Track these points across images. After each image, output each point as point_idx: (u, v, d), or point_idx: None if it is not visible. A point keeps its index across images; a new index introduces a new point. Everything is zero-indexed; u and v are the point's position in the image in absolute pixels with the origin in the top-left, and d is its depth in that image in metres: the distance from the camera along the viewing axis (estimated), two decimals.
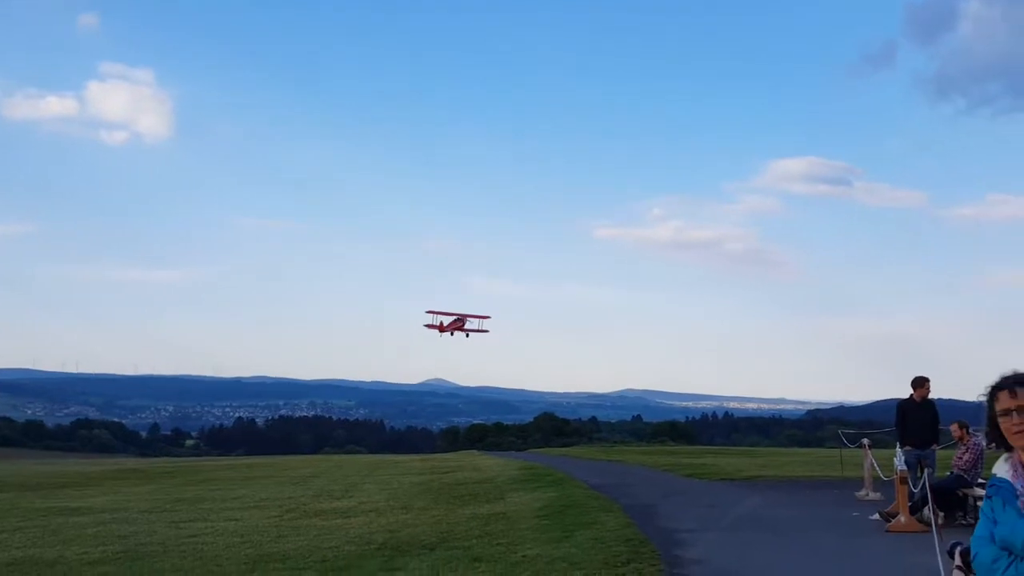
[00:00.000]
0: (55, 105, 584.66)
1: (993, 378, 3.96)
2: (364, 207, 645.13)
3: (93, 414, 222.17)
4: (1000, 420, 3.83)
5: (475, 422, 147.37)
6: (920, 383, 16.29)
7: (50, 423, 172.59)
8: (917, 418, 16.13)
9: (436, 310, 53.86)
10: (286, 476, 33.19)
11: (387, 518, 17.62)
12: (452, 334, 53.51)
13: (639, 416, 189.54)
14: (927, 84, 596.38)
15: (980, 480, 14.75)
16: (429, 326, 53.64)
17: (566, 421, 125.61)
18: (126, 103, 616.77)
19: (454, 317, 53.68)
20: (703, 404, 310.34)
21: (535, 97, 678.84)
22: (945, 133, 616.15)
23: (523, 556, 12.18)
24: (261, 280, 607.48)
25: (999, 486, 3.90)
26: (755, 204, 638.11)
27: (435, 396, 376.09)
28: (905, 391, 16.57)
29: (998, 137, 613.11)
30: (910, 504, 14.66)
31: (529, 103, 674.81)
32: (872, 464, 19.36)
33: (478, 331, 54.65)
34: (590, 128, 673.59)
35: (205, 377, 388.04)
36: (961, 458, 15.52)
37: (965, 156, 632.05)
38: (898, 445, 16.05)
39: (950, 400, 18.92)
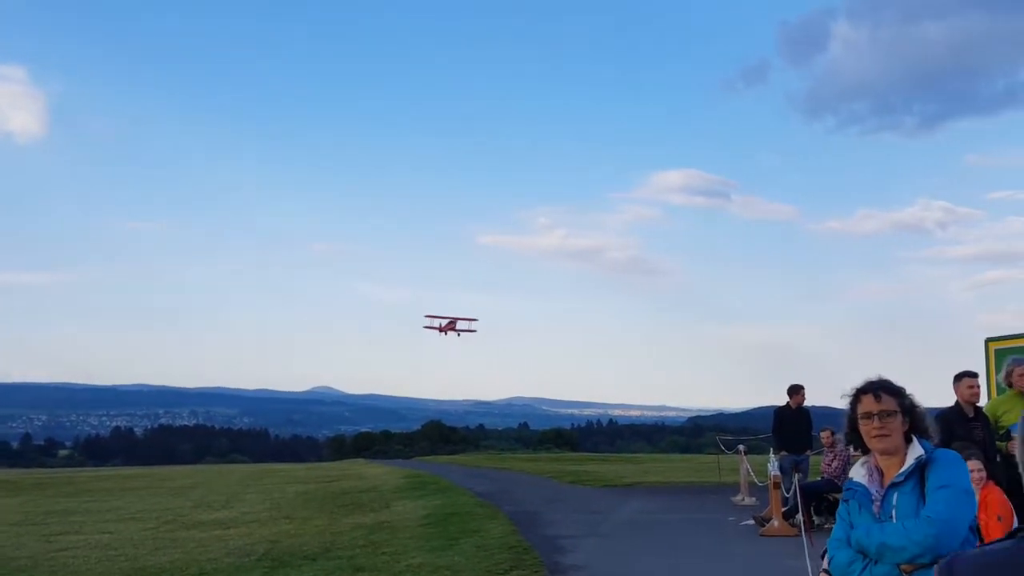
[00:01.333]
0: None
1: (857, 382, 4.16)
2: (244, 209, 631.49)
3: None
4: (861, 423, 3.96)
5: (362, 430, 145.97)
6: (795, 391, 16.87)
7: None
8: (792, 425, 16.69)
9: (434, 314, 58.93)
10: (164, 487, 32.36)
11: (269, 528, 17.33)
12: (446, 334, 58.46)
13: (526, 424, 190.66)
14: (799, 102, 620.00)
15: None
16: (428, 327, 58.76)
17: (453, 429, 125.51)
18: None
19: (448, 320, 58.85)
20: (588, 412, 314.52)
21: (422, 103, 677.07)
22: (817, 150, 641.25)
23: (407, 565, 12.13)
24: (138, 283, 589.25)
25: (855, 490, 4.05)
26: (637, 214, 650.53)
27: (321, 404, 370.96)
28: (781, 399, 17.12)
29: (865, 155, 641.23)
30: (784, 509, 15.14)
31: (416, 109, 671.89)
32: (748, 470, 19.92)
33: (468, 331, 59.40)
34: (476, 136, 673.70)
35: (80, 385, 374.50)
36: (830, 464, 16.12)
37: (835, 172, 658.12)
38: (772, 451, 16.58)
39: (823, 407, 19.61)
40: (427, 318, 59.32)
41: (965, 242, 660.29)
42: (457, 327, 59.19)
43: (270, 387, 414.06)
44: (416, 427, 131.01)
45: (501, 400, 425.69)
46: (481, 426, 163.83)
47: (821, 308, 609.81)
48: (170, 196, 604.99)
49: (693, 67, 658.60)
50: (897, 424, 3.96)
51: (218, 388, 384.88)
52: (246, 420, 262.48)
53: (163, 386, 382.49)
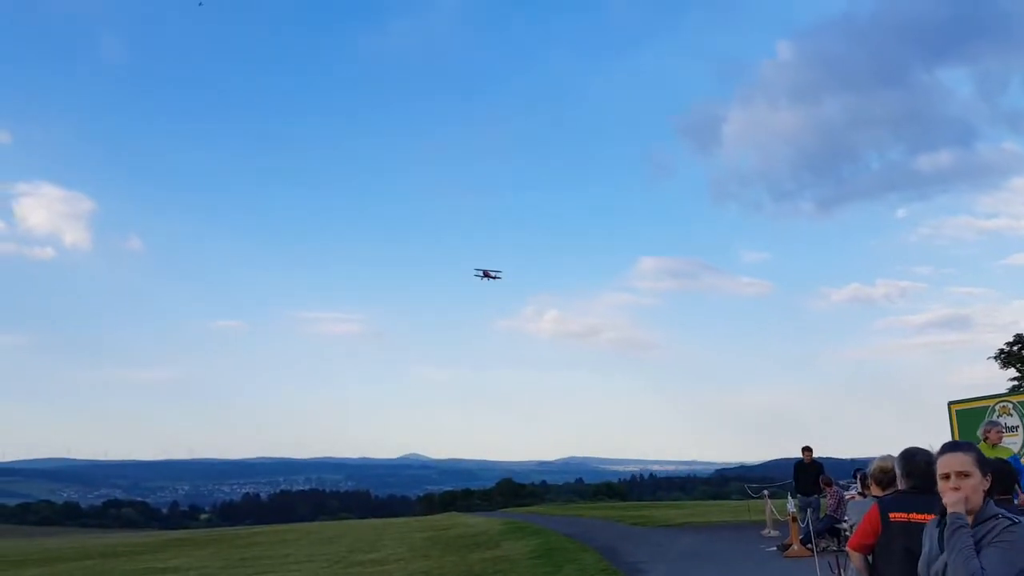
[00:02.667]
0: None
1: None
2: (304, 319, 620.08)
3: (121, 495, 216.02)
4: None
5: (446, 489, 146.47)
6: (806, 450, 18.87)
7: (84, 504, 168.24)
8: (806, 475, 18.56)
9: (480, 267, 72.21)
10: (312, 539, 34.05)
11: (417, 564, 19.19)
12: (490, 279, 71.88)
13: (581, 479, 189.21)
14: (706, 188, 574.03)
15: (844, 518, 17.03)
16: (476, 276, 71.72)
17: (522, 485, 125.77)
18: (54, 218, 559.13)
19: (484, 271, 71.79)
20: (631, 467, 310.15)
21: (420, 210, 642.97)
22: (751, 231, 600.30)
23: None
24: (247, 371, 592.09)
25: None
26: (621, 298, 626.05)
27: (411, 468, 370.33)
28: (789, 452, 19.02)
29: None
30: (801, 537, 16.88)
31: (416, 215, 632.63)
32: (771, 509, 21.50)
33: (496, 277, 72.47)
34: (477, 226, 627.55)
35: (215, 459, 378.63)
36: (830, 504, 17.80)
37: (783, 252, 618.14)
38: (790, 494, 18.39)
39: (824, 458, 21.44)
40: (476, 270, 71.53)
41: (917, 311, 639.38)
42: (491, 274, 71.62)
43: (368, 455, 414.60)
44: (491, 484, 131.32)
45: (559, 459, 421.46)
46: (544, 482, 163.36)
47: (807, 372, 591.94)
48: (245, 297, 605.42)
49: (622, 160, 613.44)
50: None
51: (327, 457, 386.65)
52: (350, 484, 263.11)
53: (282, 457, 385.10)
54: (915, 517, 4.24)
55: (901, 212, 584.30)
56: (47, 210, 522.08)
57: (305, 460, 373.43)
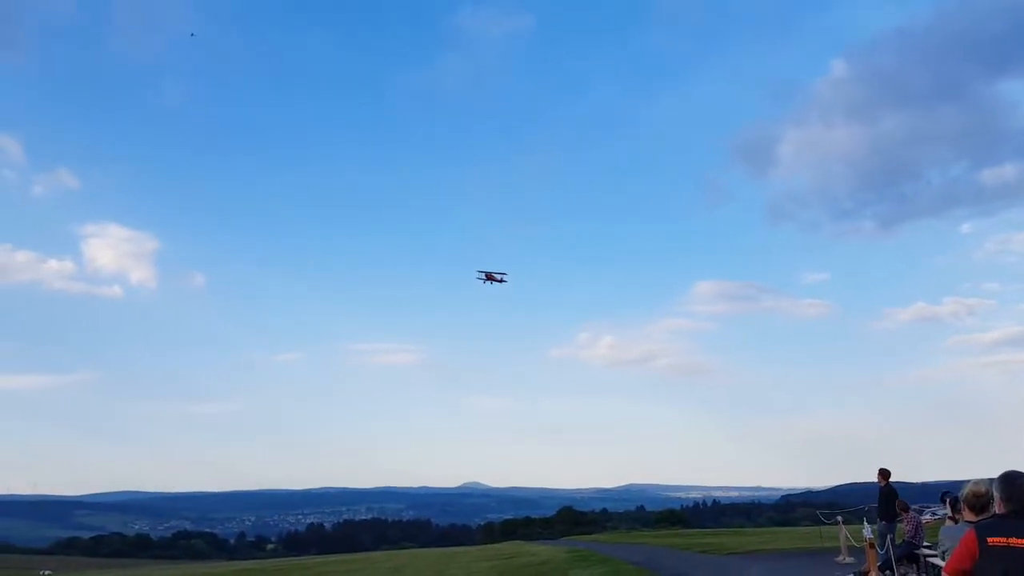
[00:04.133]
0: (57, 267, 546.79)
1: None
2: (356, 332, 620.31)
3: (189, 526, 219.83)
4: None
5: (506, 517, 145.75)
6: (883, 474, 18.33)
7: (154, 536, 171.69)
8: (884, 500, 18.06)
9: (482, 270, 69.96)
10: (378, 568, 34.22)
11: None
12: (493, 283, 69.43)
13: (642, 506, 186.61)
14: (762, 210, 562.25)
15: (924, 544, 16.51)
16: (479, 279, 69.61)
17: (583, 513, 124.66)
18: (121, 258, 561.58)
19: (487, 273, 69.38)
20: (694, 494, 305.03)
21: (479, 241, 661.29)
22: (816, 250, 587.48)
23: None
24: (308, 402, 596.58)
25: None
26: (677, 323, 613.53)
27: (471, 496, 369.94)
28: (855, 477, 18.57)
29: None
30: (879, 563, 16.40)
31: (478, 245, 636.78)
32: (846, 535, 20.96)
33: (500, 280, 70.10)
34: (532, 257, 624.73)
35: (280, 490, 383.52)
36: (907, 530, 17.28)
37: (847, 272, 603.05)
38: (864, 520, 17.89)
39: (893, 482, 20.81)
40: (478, 272, 69.16)
41: (986, 329, 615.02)
42: (495, 277, 69.05)
43: (429, 484, 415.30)
44: (551, 513, 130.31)
45: (619, 487, 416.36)
46: (604, 510, 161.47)
47: (875, 395, 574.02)
48: (304, 330, 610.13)
49: (675, 187, 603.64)
50: None
51: (388, 487, 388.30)
52: (411, 513, 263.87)
53: (344, 487, 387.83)
54: (1015, 542, 4.19)
55: (966, 228, 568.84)
56: (114, 250, 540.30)
57: (367, 490, 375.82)
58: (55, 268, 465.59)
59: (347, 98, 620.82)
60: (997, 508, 4.51)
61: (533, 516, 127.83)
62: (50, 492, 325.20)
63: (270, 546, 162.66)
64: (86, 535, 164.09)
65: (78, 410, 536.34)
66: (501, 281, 71.93)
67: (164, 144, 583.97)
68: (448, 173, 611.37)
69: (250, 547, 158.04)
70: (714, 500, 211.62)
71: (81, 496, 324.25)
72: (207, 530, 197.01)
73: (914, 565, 16.65)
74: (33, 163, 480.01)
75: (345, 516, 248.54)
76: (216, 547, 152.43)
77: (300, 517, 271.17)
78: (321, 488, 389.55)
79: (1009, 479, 4.48)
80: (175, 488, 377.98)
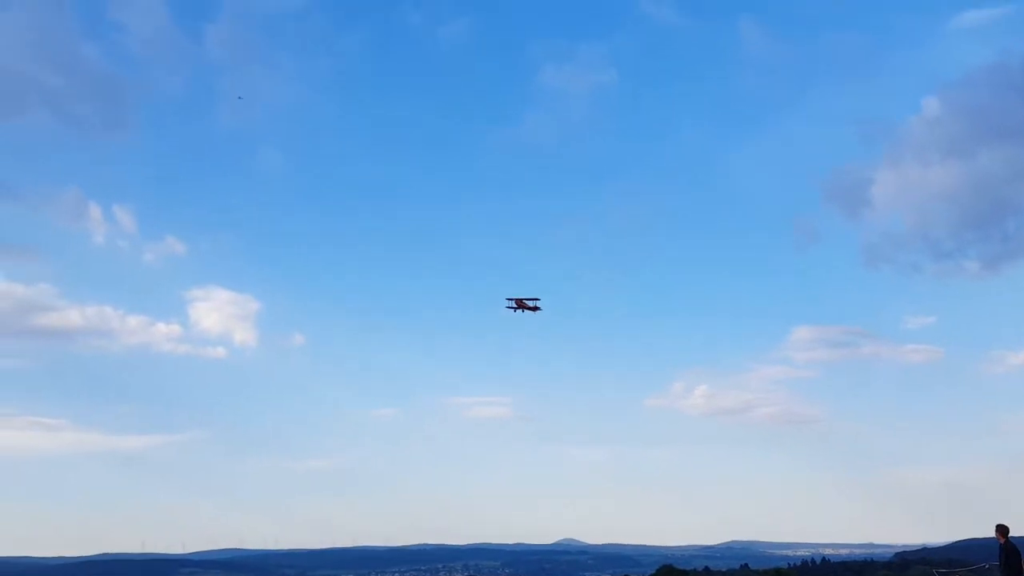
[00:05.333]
0: (166, 330, 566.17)
1: None
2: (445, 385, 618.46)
3: None
4: None
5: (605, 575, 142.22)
6: (1002, 531, 16.96)
7: None
8: (1007, 557, 16.71)
9: (511, 297, 66.84)
10: None
11: None
12: (523, 311, 65.70)
13: (746, 564, 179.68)
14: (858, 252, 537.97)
15: None
16: (508, 307, 66.50)
17: (684, 572, 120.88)
18: (225, 319, 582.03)
19: (518, 300, 66.29)
20: (801, 551, 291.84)
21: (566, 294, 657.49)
22: (916, 294, 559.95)
23: None
24: (404, 457, 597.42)
25: None
26: (775, 371, 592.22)
27: (567, 554, 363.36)
28: (975, 531, 17.19)
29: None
30: None
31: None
32: None
33: (532, 308, 66.64)
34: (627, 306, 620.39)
35: (378, 547, 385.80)
36: None
37: (952, 314, 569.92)
38: None
39: (1017, 538, 19.28)
40: (507, 300, 65.72)
41: None
42: (527, 304, 65.18)
43: (524, 540, 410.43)
44: (651, 571, 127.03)
45: (721, 543, 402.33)
46: (707, 568, 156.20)
47: (989, 443, 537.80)
48: (399, 385, 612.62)
49: (766, 231, 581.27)
50: None
51: (484, 543, 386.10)
52: (507, 571, 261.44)
53: (440, 544, 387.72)
54: None
55: None
56: (218, 312, 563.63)
57: (462, 546, 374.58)
58: (164, 331, 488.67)
59: (440, 158, 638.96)
60: None
61: (632, 574, 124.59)
62: (157, 550, 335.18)
63: None
64: None
65: (185, 469, 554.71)
66: (535, 309, 68.18)
67: (265, 209, 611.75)
68: (539, 227, 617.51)
69: None
70: (823, 558, 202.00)
71: (187, 554, 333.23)
72: None
73: None
74: (144, 232, 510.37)
75: (441, 574, 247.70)
76: None
77: (397, 574, 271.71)
78: (418, 545, 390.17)
79: None
80: (277, 545, 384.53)
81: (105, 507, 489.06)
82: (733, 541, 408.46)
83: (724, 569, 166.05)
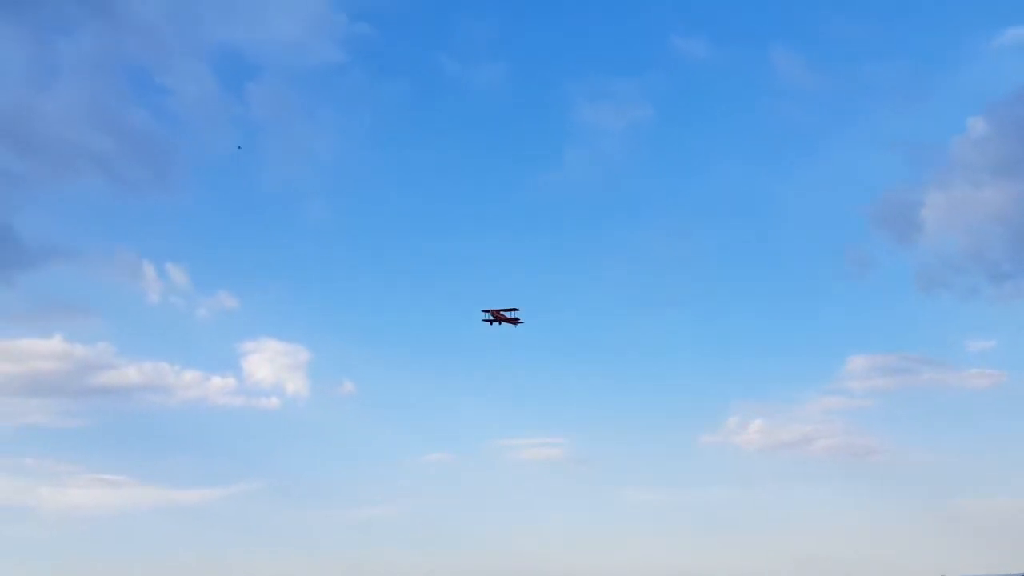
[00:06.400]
0: (221, 383, 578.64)
1: None
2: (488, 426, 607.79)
3: None
4: None
5: None
6: None
7: None
8: None
9: (487, 309, 64.50)
10: None
11: None
12: (500, 323, 63.31)
13: None
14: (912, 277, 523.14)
15: None
16: (484, 320, 64.57)
17: None
18: (277, 370, 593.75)
19: (495, 311, 63.78)
20: None
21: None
22: (970, 318, 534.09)
23: None
24: (459, 502, 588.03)
25: None
26: (832, 402, 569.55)
27: None
28: None
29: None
30: None
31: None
32: None
33: (511, 320, 64.52)
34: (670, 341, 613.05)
35: None
36: None
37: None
38: None
39: None
40: (483, 313, 62.95)
41: None
42: (505, 316, 62.23)
43: None
44: None
45: None
46: None
47: None
48: (451, 429, 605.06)
49: (814, 259, 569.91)
50: None
51: None
52: None
53: None
54: None
55: None
56: (271, 363, 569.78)
57: None
58: (219, 384, 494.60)
59: (481, 201, 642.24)
60: None
61: None
62: None
63: None
64: None
65: (243, 520, 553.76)
66: (514, 321, 64.36)
67: (311, 260, 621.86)
68: (583, 265, 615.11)
69: None
70: None
71: None
72: None
73: None
74: (197, 288, 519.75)
75: None
76: None
77: None
78: None
79: None
80: None
81: (168, 560, 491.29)
82: None
83: None
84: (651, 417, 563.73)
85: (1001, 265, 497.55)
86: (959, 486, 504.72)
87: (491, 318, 62.01)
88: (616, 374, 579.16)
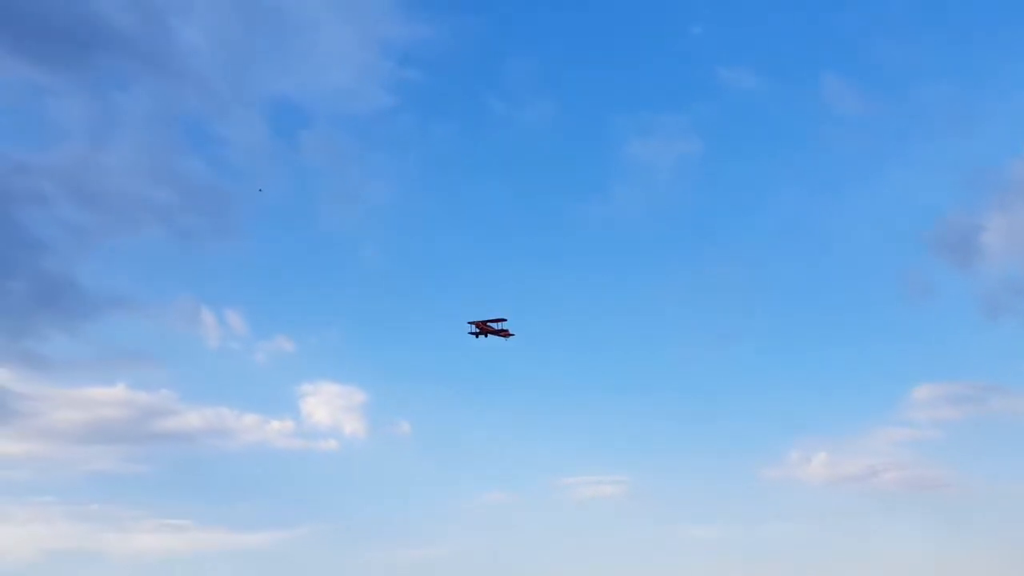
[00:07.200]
0: (279, 426, 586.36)
1: None
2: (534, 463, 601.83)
3: None
4: None
5: None
6: None
7: None
8: None
9: (473, 321, 61.05)
10: None
11: None
12: (487, 336, 60.26)
13: None
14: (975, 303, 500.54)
15: None
16: (471, 333, 60.94)
17: None
18: (334, 412, 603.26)
19: (481, 323, 60.37)
20: None
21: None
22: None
23: None
24: (517, 541, 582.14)
25: None
26: (898, 433, 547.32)
27: None
28: None
29: None
30: None
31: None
32: None
33: (499, 333, 61.15)
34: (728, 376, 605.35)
35: None
36: None
37: None
38: None
39: None
40: (469, 325, 59.66)
41: None
42: (491, 328, 58.98)
43: None
44: None
45: None
46: None
47: None
48: (508, 468, 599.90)
49: (872, 288, 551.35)
50: None
51: None
52: None
53: None
54: None
55: None
56: (328, 405, 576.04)
57: None
58: (278, 428, 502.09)
59: (531, 238, 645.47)
60: None
61: None
62: None
63: None
64: None
65: (304, 562, 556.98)
66: (501, 333, 60.30)
67: (365, 302, 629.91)
68: (635, 299, 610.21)
69: None
70: None
71: None
72: None
73: None
74: (255, 333, 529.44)
75: None
76: None
77: None
78: None
79: None
80: None
81: None
82: None
83: None
84: (711, 452, 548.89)
85: None
86: None
87: (476, 331, 59.69)
88: (674, 409, 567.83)
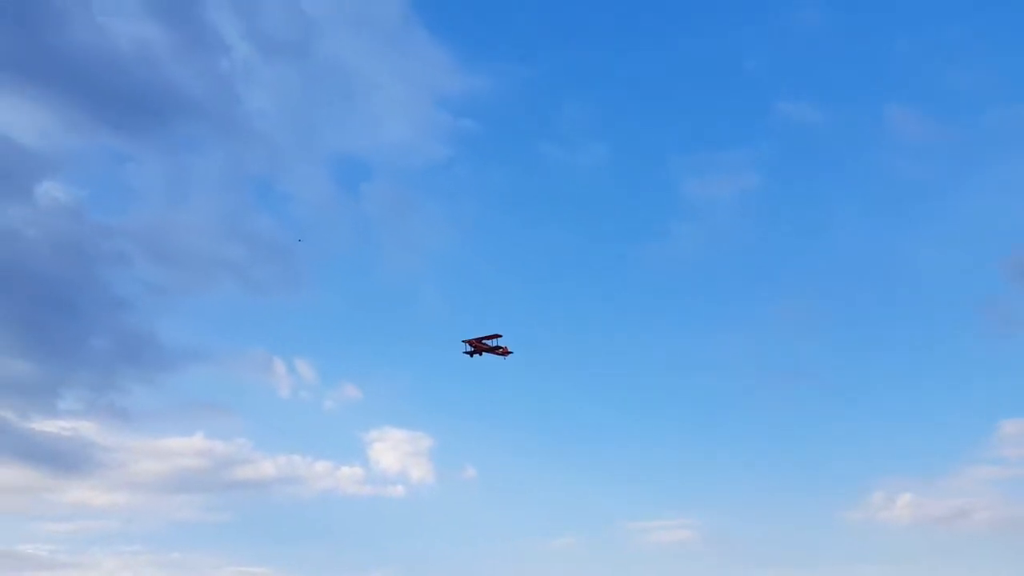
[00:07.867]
0: (349, 472, 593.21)
1: None
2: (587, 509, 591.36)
3: None
4: None
5: None
6: None
7: None
8: None
9: (467, 339, 58.91)
10: None
11: None
12: (482, 354, 57.86)
13: None
14: None
15: None
16: (464, 352, 58.57)
17: None
18: (402, 458, 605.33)
19: (476, 340, 58.15)
20: None
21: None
22: None
23: None
24: None
25: None
26: (986, 472, 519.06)
27: None
28: None
29: None
30: None
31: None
32: None
33: (495, 351, 58.51)
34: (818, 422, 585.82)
35: None
36: None
37: None
38: None
39: None
40: (463, 344, 57.17)
41: None
42: (487, 345, 56.05)
43: None
44: None
45: None
46: None
47: None
48: (575, 513, 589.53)
49: (950, 319, 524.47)
50: None
51: None
52: None
53: None
54: None
55: None
56: (395, 451, 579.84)
57: None
58: (348, 474, 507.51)
59: (589, 281, 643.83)
60: None
61: None
62: None
63: None
64: None
65: None
66: (496, 350, 57.06)
67: (429, 348, 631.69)
68: (699, 338, 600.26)
69: None
70: None
71: None
72: None
73: None
74: (323, 381, 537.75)
75: None
76: None
77: None
78: None
79: None
80: None
81: None
82: None
83: None
84: (786, 494, 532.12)
85: None
86: None
87: (471, 350, 58.40)
88: (746, 450, 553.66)
